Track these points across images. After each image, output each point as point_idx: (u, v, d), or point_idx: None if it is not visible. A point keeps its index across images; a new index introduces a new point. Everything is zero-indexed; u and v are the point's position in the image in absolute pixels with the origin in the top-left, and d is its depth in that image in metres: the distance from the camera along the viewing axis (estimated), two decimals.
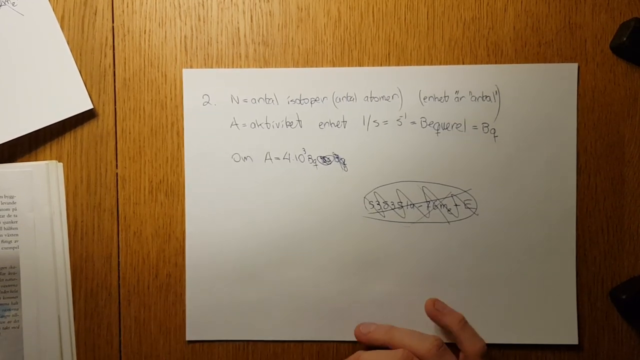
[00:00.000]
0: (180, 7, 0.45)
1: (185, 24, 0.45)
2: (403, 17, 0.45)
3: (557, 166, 0.44)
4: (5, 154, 0.45)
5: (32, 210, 0.45)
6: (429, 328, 0.45)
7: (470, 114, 0.44)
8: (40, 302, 0.45)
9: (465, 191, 0.45)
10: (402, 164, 0.45)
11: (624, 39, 0.43)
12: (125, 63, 0.46)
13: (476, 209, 0.45)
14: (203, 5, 0.45)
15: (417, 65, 0.45)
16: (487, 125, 0.44)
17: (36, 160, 0.45)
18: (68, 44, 0.45)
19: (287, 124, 0.45)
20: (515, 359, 0.45)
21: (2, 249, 0.44)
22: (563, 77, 0.44)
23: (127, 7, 0.45)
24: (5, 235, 0.44)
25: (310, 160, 0.45)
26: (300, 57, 0.45)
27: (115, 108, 0.46)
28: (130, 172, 0.46)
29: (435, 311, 0.43)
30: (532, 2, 0.45)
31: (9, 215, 0.44)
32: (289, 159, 0.45)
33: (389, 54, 0.45)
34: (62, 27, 0.45)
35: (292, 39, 0.45)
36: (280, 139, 0.45)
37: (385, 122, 0.45)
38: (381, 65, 0.45)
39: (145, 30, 0.45)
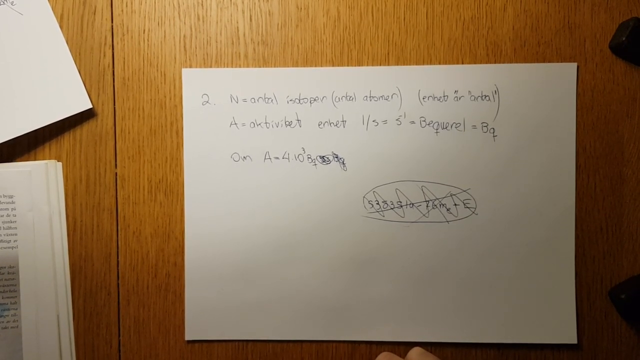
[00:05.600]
0: (179, 6, 0.45)
1: (185, 23, 0.45)
2: (402, 16, 0.45)
3: (557, 166, 0.44)
4: (4, 154, 0.45)
5: (31, 209, 0.45)
6: (427, 327, 0.45)
7: (470, 113, 0.44)
8: (40, 302, 0.45)
9: (464, 191, 0.45)
10: (402, 163, 0.45)
11: (623, 38, 0.43)
12: (124, 62, 0.46)
13: (475, 208, 0.45)
14: (202, 4, 0.45)
15: (416, 64, 0.45)
16: (486, 124, 0.45)
17: (35, 159, 0.45)
18: (67, 43, 0.45)
19: (287, 123, 0.45)
20: (515, 359, 0.45)
21: (1, 248, 0.44)
22: (562, 76, 0.44)
23: (126, 6, 0.45)
24: (4, 234, 0.44)
25: (309, 159, 0.45)
26: (299, 56, 0.45)
27: (114, 107, 0.46)
28: (130, 171, 0.46)
29: None
30: (531, 1, 0.45)
31: (8, 215, 0.44)
32: (289, 159, 0.45)
33: (388, 53, 0.45)
34: (61, 27, 0.45)
35: (292, 38, 0.45)
36: (280, 139, 0.45)
37: (385, 121, 0.45)
38: (380, 64, 0.45)
39: (144, 30, 0.45)
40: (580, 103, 0.45)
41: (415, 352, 0.39)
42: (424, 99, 0.45)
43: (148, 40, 0.45)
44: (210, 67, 0.45)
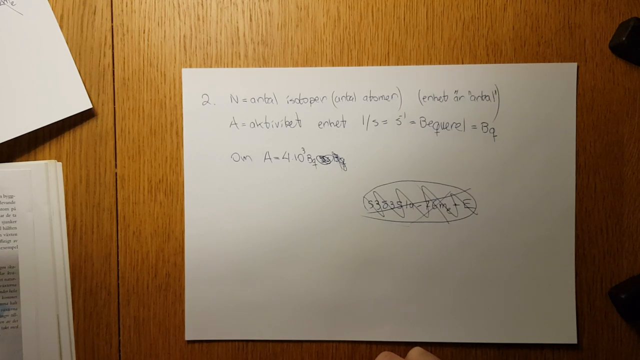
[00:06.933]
0: (179, 6, 0.45)
1: (185, 23, 0.45)
2: (402, 16, 0.45)
3: (557, 165, 0.44)
4: (4, 154, 0.45)
5: (31, 209, 0.45)
6: (427, 327, 0.45)
7: (470, 113, 0.44)
8: (40, 302, 0.45)
9: (464, 191, 0.45)
10: (402, 163, 0.45)
11: (623, 38, 0.43)
12: (124, 62, 0.46)
13: (475, 208, 0.45)
14: (202, 4, 0.45)
15: (416, 64, 0.45)
16: (486, 124, 0.45)
17: (35, 159, 0.45)
18: (67, 43, 0.45)
19: (287, 123, 0.45)
20: (515, 359, 0.45)
21: (1, 248, 0.44)
22: (562, 76, 0.44)
23: (126, 6, 0.45)
24: (4, 234, 0.44)
25: (309, 159, 0.45)
26: (299, 56, 0.45)
27: (114, 107, 0.46)
28: (130, 171, 0.46)
29: None
30: (532, 1, 0.45)
31: (7, 215, 0.44)
32: (289, 159, 0.45)
33: (388, 53, 0.45)
34: (61, 27, 0.45)
35: (292, 38, 0.45)
36: (280, 139, 0.45)
37: (385, 121, 0.45)
38: (380, 64, 0.45)
39: (144, 30, 0.45)
40: (580, 103, 0.45)
41: (415, 352, 0.39)
42: (424, 99, 0.45)
43: (148, 40, 0.45)
44: (210, 67, 0.45)
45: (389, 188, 0.45)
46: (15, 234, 0.44)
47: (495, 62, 0.45)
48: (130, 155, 0.46)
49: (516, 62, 0.45)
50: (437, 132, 0.45)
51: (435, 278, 0.45)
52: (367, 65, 0.45)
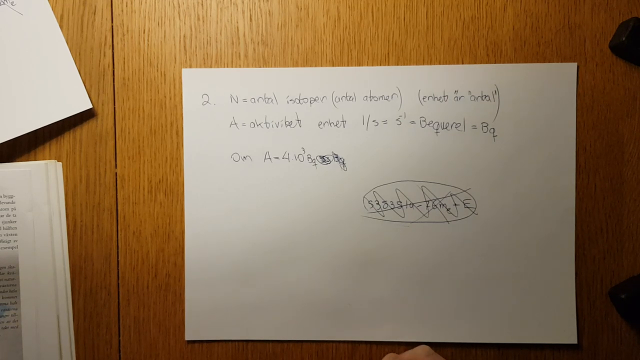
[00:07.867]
0: (179, 6, 0.45)
1: (185, 23, 0.45)
2: (402, 16, 0.45)
3: (557, 166, 0.44)
4: (4, 154, 0.45)
5: (31, 209, 0.45)
6: (428, 327, 0.45)
7: (470, 113, 0.44)
8: (40, 302, 0.45)
9: (464, 191, 0.45)
10: (402, 163, 0.45)
11: (623, 38, 0.43)
12: (124, 62, 0.46)
13: (475, 208, 0.45)
14: (202, 4, 0.45)
15: (416, 64, 0.45)
16: (486, 124, 0.45)
17: (35, 159, 0.45)
18: (67, 43, 0.45)
19: (287, 123, 0.45)
20: (515, 359, 0.45)
21: (1, 248, 0.44)
22: (562, 76, 0.44)
23: (126, 6, 0.45)
24: (4, 234, 0.44)
25: (309, 159, 0.45)
26: (299, 56, 0.45)
27: (114, 108, 0.46)
28: (130, 171, 0.46)
29: None
30: (532, 1, 0.45)
31: (8, 215, 0.44)
32: (289, 159, 0.45)
33: (388, 53, 0.45)
34: (61, 27, 0.45)
35: (292, 38, 0.45)
36: (280, 139, 0.45)
37: (385, 121, 0.45)
38: (380, 64, 0.45)
39: (144, 30, 0.45)
40: (581, 103, 0.45)
41: (422, 350, 0.39)
42: (424, 99, 0.45)
43: (148, 40, 0.45)
44: (210, 67, 0.45)
45: (389, 188, 0.45)
46: (15, 234, 0.44)
47: (495, 62, 0.45)
48: (130, 155, 0.46)
49: (516, 62, 0.45)
50: (437, 132, 0.45)
51: (436, 278, 0.45)
52: (367, 65, 0.45)
